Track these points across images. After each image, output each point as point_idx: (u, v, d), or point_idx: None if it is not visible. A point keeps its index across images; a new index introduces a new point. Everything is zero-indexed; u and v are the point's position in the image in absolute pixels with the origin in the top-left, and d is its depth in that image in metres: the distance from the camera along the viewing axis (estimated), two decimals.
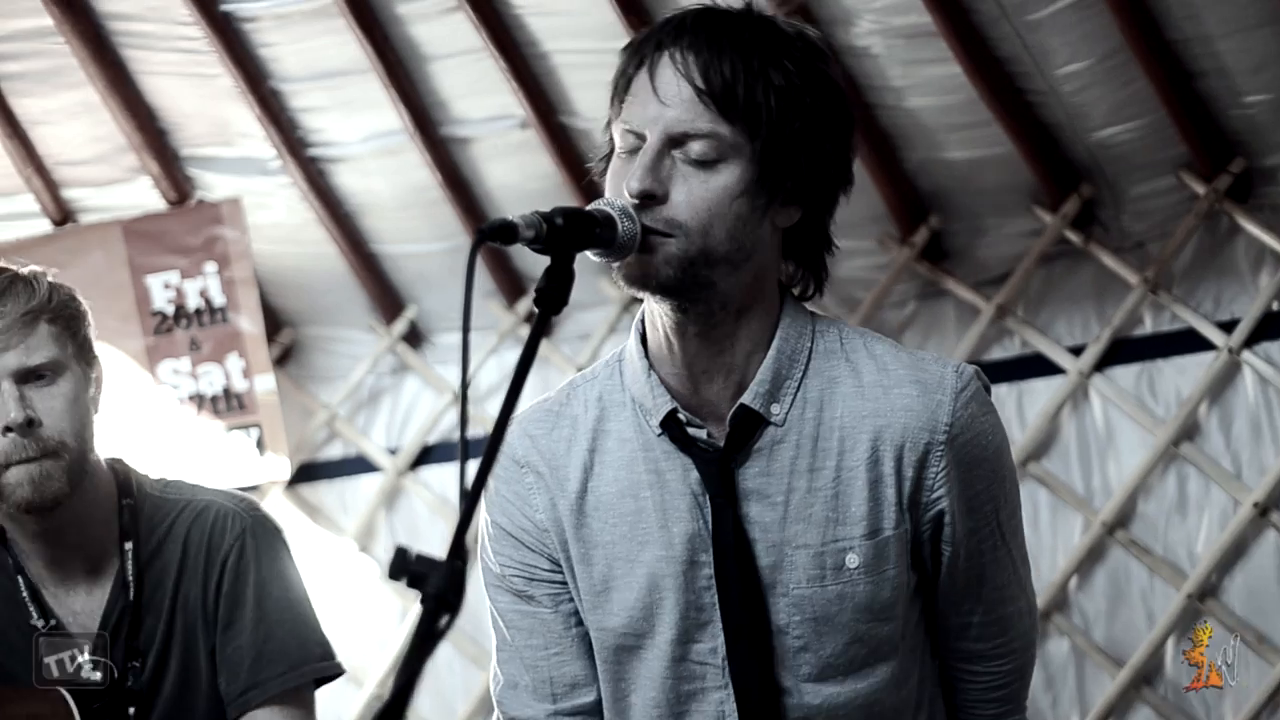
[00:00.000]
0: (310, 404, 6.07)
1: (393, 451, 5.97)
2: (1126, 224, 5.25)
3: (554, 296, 2.21)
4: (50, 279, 3.22)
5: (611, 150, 2.40)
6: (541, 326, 2.18)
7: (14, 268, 3.21)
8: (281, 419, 5.79)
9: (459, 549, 1.88)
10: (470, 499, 1.96)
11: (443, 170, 5.58)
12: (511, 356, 5.78)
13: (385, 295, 5.98)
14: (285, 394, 5.95)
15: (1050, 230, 5.26)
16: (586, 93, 5.27)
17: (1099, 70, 4.89)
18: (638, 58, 2.38)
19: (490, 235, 2.17)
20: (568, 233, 2.23)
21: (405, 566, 1.88)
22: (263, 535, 3.30)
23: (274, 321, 6.02)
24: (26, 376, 3.14)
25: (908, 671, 2.54)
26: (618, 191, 2.35)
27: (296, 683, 3.27)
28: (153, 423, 5.69)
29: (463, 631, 5.69)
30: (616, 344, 5.50)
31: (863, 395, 2.44)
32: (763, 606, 2.46)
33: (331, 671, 3.35)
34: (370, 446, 6.00)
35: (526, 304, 5.81)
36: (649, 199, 2.32)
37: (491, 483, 2.54)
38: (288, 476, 5.91)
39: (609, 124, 2.41)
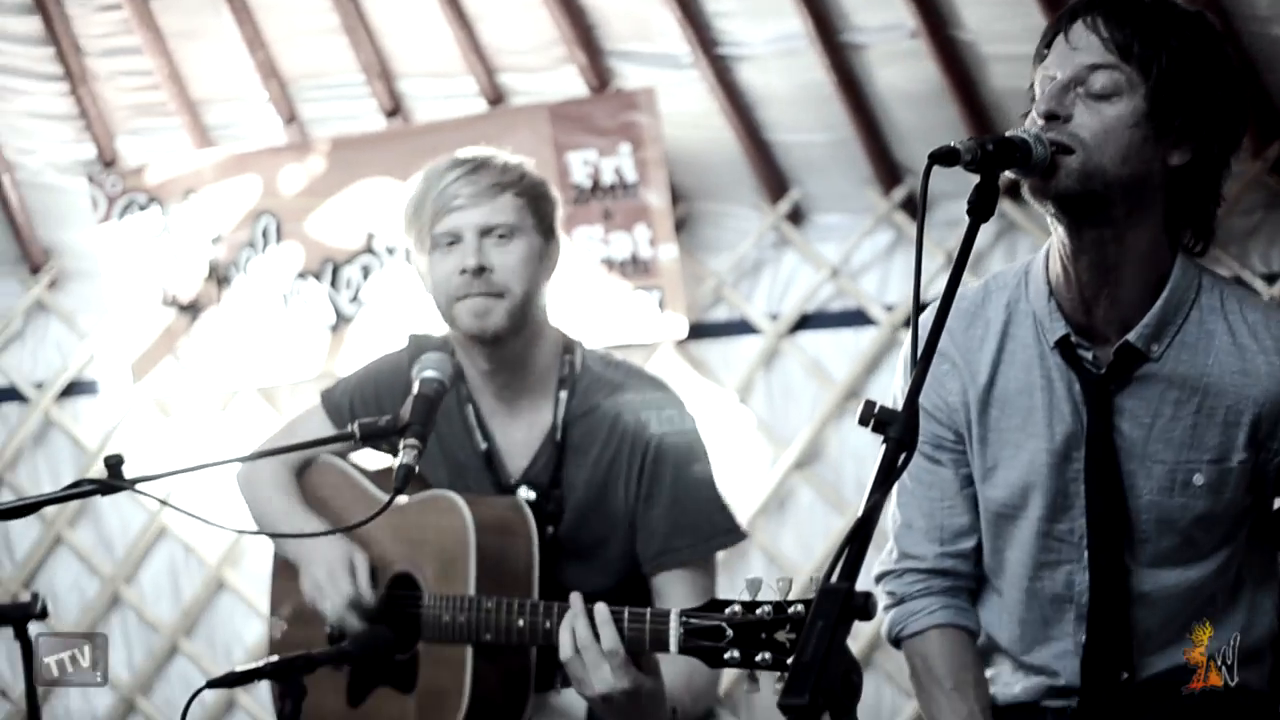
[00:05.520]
0: (700, 271, 6.45)
1: (773, 317, 6.35)
2: None
3: (984, 208, 2.51)
4: (528, 169, 3.78)
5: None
6: (973, 235, 2.48)
7: (508, 157, 3.77)
8: (681, 284, 6.22)
9: (913, 403, 2.24)
10: (919, 372, 2.31)
11: (837, 72, 5.94)
12: (883, 238, 6.21)
13: (773, 177, 6.33)
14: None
15: None
16: (975, 9, 5.55)
17: None
18: (1055, 27, 2.85)
19: (940, 159, 2.51)
20: (996, 156, 2.56)
21: (872, 415, 2.23)
22: (682, 431, 3.72)
23: (671, 195, 6.34)
24: (487, 232, 3.65)
25: (1229, 564, 2.92)
26: (1030, 125, 2.78)
27: (704, 554, 3.78)
28: (570, 280, 6.00)
29: (824, 479, 6.25)
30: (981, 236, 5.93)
31: (1235, 354, 2.79)
32: (1119, 503, 2.84)
33: (734, 542, 3.85)
34: (753, 311, 6.38)
35: (901, 191, 6.14)
36: (1053, 118, 2.70)
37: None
38: (685, 334, 6.33)
39: (1031, 86, 2.85)
